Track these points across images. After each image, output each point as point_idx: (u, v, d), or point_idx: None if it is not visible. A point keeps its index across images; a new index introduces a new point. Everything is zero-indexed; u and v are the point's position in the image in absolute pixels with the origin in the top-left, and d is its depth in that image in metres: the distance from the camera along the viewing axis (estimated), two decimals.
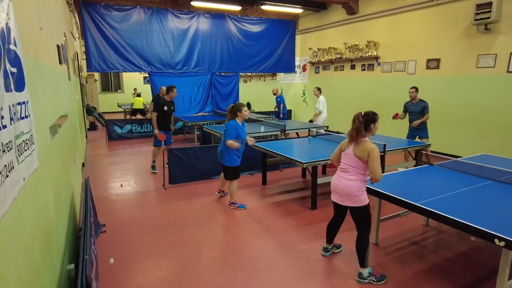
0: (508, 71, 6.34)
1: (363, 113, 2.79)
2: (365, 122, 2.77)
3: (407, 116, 6.51)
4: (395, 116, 6.53)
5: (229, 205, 4.65)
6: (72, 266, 2.31)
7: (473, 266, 3.19)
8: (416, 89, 6.38)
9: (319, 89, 8.45)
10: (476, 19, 6.49)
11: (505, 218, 2.56)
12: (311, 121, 8.65)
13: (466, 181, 3.44)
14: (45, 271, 1.70)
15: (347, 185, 2.83)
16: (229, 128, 4.38)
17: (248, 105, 16.33)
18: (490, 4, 6.21)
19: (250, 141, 4.74)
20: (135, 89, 14.40)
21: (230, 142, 4.33)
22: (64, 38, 4.96)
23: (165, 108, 6.34)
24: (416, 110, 6.32)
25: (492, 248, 3.45)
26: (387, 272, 3.07)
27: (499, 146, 6.51)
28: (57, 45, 3.72)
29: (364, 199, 2.83)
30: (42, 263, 1.64)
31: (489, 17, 6.28)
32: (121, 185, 5.61)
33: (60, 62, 3.85)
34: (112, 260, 3.29)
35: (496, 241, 2.21)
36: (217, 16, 10.23)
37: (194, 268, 3.15)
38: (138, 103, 12.67)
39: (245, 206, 4.64)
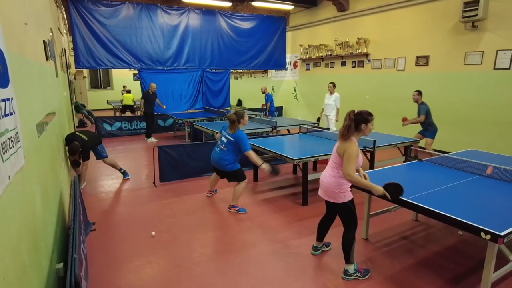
0: (494, 68, 6.45)
1: (356, 112, 2.73)
2: (356, 121, 2.70)
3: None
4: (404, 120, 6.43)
5: (229, 208, 4.41)
6: (61, 265, 2.27)
7: (460, 259, 3.25)
8: (418, 93, 6.29)
9: (334, 85, 7.79)
10: (463, 16, 6.57)
11: (491, 212, 2.61)
12: (318, 119, 8.32)
13: (453, 176, 3.50)
14: (33, 270, 1.67)
15: (329, 181, 2.83)
16: (244, 137, 4.16)
17: (239, 102, 16.31)
18: (477, 1, 6.30)
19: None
20: (124, 86, 14.23)
21: (254, 156, 4.16)
22: (50, 33, 4.87)
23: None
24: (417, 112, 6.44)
25: (479, 241, 3.52)
26: (377, 266, 3.11)
27: (485, 142, 6.64)
28: (44, 41, 3.64)
29: (344, 196, 2.80)
30: (29, 263, 1.61)
31: (476, 15, 6.37)
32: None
33: (47, 58, 3.77)
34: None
35: (483, 234, 2.26)
36: (208, 12, 10.15)
37: (185, 266, 3.14)
38: (128, 100, 12.50)
39: (245, 210, 4.40)
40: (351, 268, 2.90)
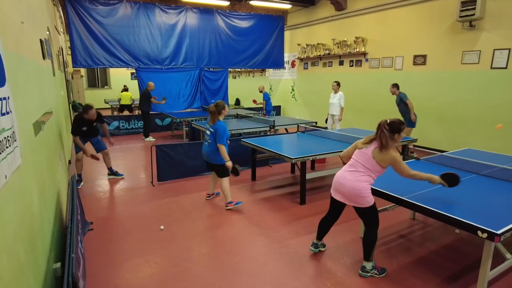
0: (491, 68, 6.47)
1: (388, 122, 2.71)
2: (391, 131, 2.69)
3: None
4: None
5: (226, 206, 4.45)
6: (58, 265, 2.26)
7: (457, 258, 3.27)
8: (394, 85, 7.05)
9: (338, 84, 7.78)
10: (461, 16, 6.59)
11: (488, 210, 2.62)
12: (326, 120, 8.25)
13: None
14: (30, 270, 1.67)
15: (355, 186, 2.75)
16: (222, 129, 4.18)
17: (237, 101, 16.31)
18: (474, 1, 6.32)
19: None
20: (124, 86, 14.16)
21: (224, 149, 4.20)
22: (47, 32, 4.84)
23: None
24: (398, 102, 7.05)
25: (475, 239, 3.53)
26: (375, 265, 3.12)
27: (482, 141, 6.67)
28: (40, 40, 3.62)
29: (370, 200, 2.79)
30: (26, 263, 1.61)
31: (473, 14, 6.39)
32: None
33: (44, 57, 3.76)
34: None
35: (479, 233, 2.27)
36: (205, 11, 10.13)
37: (183, 265, 3.13)
38: (125, 98, 12.42)
39: (241, 202, 4.53)
40: (369, 265, 2.92)
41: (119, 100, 12.51)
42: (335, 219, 3.20)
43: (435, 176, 2.83)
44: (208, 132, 4.37)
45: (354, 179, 2.77)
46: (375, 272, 2.91)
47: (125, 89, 12.93)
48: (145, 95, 8.98)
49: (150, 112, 9.34)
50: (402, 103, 6.91)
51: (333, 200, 3.05)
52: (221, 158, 4.29)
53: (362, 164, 2.78)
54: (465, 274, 3.00)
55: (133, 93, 12.79)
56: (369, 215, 2.86)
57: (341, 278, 2.92)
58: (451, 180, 2.84)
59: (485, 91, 6.62)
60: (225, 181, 4.42)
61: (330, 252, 3.36)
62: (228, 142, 4.35)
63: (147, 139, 9.23)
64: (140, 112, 9.38)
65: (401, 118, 6.31)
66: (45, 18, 4.72)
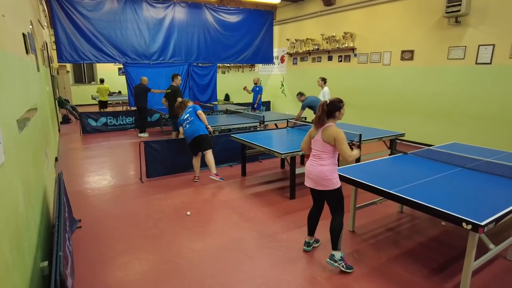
0: (476, 63, 6.59)
1: (328, 102, 2.90)
2: (330, 111, 2.87)
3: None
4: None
5: (211, 176, 5.16)
6: (46, 263, 2.23)
7: (443, 249, 3.34)
8: (323, 79, 7.61)
9: (323, 79, 7.70)
10: (447, 12, 6.67)
11: (472, 203, 2.67)
12: None
13: (437, 169, 3.57)
14: (16, 269, 1.63)
15: (321, 170, 2.90)
16: (194, 106, 5.32)
17: (227, 96, 16.23)
18: None
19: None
20: (101, 78, 13.71)
21: (204, 116, 5.25)
22: (30, 26, 4.71)
23: None
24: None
25: (460, 231, 3.62)
26: (363, 258, 3.16)
27: (467, 135, 6.80)
28: (23, 34, 3.52)
29: (336, 182, 2.92)
30: (12, 261, 1.57)
31: (459, 10, 6.47)
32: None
33: (27, 52, 3.65)
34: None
35: (464, 224, 2.33)
36: (194, 5, 10.01)
37: (174, 261, 3.12)
38: (103, 92, 12.07)
39: (223, 179, 5.26)
40: (338, 254, 2.94)
41: (98, 95, 12.12)
42: (320, 211, 3.24)
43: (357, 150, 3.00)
44: (185, 116, 5.21)
45: (317, 164, 2.95)
46: (343, 264, 2.92)
47: (101, 80, 12.58)
48: (141, 90, 8.86)
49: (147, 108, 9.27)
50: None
51: (311, 190, 3.14)
52: (205, 128, 5.15)
53: (320, 151, 2.94)
54: (451, 264, 3.07)
55: (121, 88, 12.54)
56: (335, 199, 2.96)
57: (332, 271, 2.95)
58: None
59: (470, 86, 6.73)
60: (209, 153, 5.17)
61: (321, 246, 3.39)
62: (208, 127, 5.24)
63: (142, 134, 9.15)
64: (136, 108, 9.21)
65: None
66: (28, 11, 4.59)
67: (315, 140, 2.99)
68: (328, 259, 2.98)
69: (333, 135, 2.82)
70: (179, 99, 7.05)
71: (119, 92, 16.28)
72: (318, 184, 2.96)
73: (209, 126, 5.26)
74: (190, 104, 5.39)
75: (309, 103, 7.09)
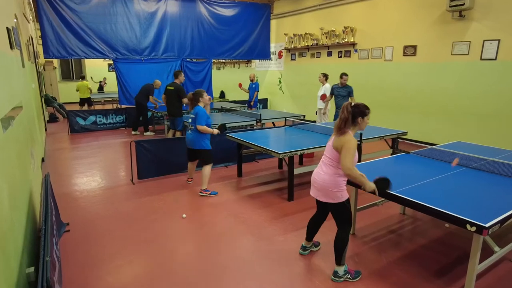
0: (481, 59, 6.37)
1: (352, 104, 2.60)
2: (353, 114, 2.55)
3: (333, 99, 7.29)
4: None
5: (200, 192, 4.61)
6: (32, 269, 2.15)
7: (447, 251, 3.22)
8: (324, 74, 7.46)
9: (325, 75, 7.51)
10: (451, 5, 6.47)
11: (477, 204, 2.58)
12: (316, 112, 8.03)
13: (441, 169, 3.46)
14: (0, 274, 1.57)
15: (324, 180, 2.65)
16: (202, 113, 4.47)
17: (222, 93, 15.92)
18: None
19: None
20: (81, 75, 13.21)
21: (205, 127, 4.46)
22: (15, 20, 4.47)
23: None
24: (342, 94, 7.04)
25: (464, 233, 3.53)
26: (364, 261, 3.06)
27: (472, 133, 6.60)
28: (7, 28, 3.33)
29: (341, 196, 2.65)
30: None
31: (463, 4, 6.27)
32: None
33: (12, 47, 3.47)
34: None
35: (468, 226, 2.24)
36: None
37: (167, 265, 3.01)
38: (83, 90, 11.66)
39: (216, 192, 4.67)
40: (341, 269, 2.76)
41: (77, 91, 11.67)
42: (323, 219, 3.06)
43: (369, 183, 2.62)
44: (190, 120, 4.64)
45: (322, 172, 2.70)
46: (348, 276, 2.75)
47: (81, 77, 12.20)
48: (147, 89, 8.56)
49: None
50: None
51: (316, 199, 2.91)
52: (205, 143, 4.56)
53: (328, 157, 2.69)
54: (454, 267, 2.96)
55: (112, 86, 12.16)
56: (339, 213, 2.72)
57: (329, 275, 2.83)
58: (383, 186, 2.64)
59: (475, 82, 6.53)
60: (207, 168, 4.62)
61: (320, 249, 3.26)
62: (214, 131, 4.56)
63: (148, 133, 8.92)
64: (136, 106, 8.83)
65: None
66: (12, 4, 4.39)
67: (327, 145, 2.73)
68: (332, 277, 2.79)
69: (342, 142, 2.52)
70: (185, 100, 6.83)
71: (102, 81, 15.33)
72: (321, 195, 2.72)
73: (213, 131, 4.59)
74: (203, 98, 4.58)
75: (334, 91, 7.11)
